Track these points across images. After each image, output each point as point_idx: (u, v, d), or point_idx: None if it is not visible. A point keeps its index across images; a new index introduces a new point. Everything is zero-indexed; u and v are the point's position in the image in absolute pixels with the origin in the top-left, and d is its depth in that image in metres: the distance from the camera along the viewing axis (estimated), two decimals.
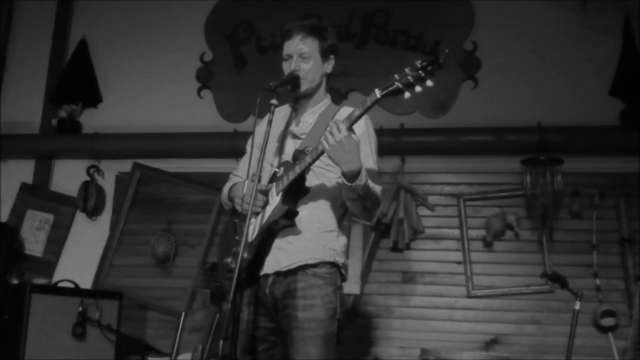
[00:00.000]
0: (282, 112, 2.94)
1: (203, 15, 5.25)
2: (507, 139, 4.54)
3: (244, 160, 3.00)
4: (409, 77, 2.34)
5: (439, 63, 2.32)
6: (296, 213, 2.64)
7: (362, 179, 2.52)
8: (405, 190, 4.56)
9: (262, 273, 2.70)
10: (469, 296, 4.49)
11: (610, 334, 4.23)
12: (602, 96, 4.56)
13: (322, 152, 2.52)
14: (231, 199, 2.86)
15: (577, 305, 3.79)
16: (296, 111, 2.90)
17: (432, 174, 4.72)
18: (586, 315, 4.18)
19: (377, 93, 2.41)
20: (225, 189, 2.94)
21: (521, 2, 4.78)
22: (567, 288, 3.94)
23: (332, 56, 2.84)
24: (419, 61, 2.34)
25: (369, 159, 2.74)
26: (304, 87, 2.78)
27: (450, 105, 4.76)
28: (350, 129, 2.48)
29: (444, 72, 4.55)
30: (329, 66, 2.85)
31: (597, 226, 4.39)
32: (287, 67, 2.80)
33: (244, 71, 5.14)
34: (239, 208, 2.79)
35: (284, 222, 2.65)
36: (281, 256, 2.69)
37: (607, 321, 4.21)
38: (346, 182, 2.53)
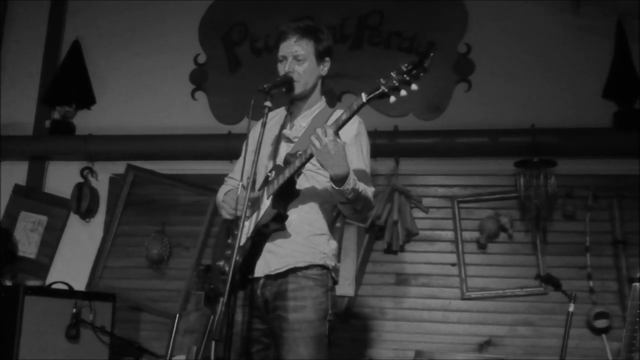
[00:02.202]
0: (277, 115, 2.94)
1: (197, 17, 5.24)
2: (500, 141, 4.54)
3: (239, 163, 3.01)
4: (394, 81, 2.36)
5: (424, 67, 2.34)
6: (286, 217, 2.65)
7: (350, 182, 2.53)
8: (400, 192, 4.56)
9: (253, 276, 2.71)
10: (463, 298, 4.49)
11: (603, 335, 4.24)
12: (595, 98, 4.56)
13: (311, 156, 2.53)
14: (222, 207, 2.85)
15: (571, 307, 3.80)
16: (291, 114, 2.90)
17: (426, 176, 4.72)
18: (580, 317, 4.18)
19: (363, 97, 2.43)
20: (220, 194, 2.94)
21: (515, 5, 4.78)
22: (560, 290, 3.95)
23: (327, 58, 2.85)
24: (405, 65, 2.35)
25: (360, 161, 2.75)
26: (298, 89, 2.79)
27: (444, 107, 4.76)
28: (336, 133, 2.49)
29: (438, 74, 4.65)
30: (324, 68, 2.85)
31: (590, 228, 4.40)
32: (281, 69, 2.80)
33: (238, 73, 5.13)
34: (225, 214, 2.79)
35: (274, 226, 2.66)
36: (271, 259, 2.70)
37: (601, 323, 4.22)
38: (334, 186, 2.54)
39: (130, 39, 5.37)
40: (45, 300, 4.07)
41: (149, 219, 5.00)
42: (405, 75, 2.35)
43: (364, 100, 2.43)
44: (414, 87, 2.36)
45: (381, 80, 2.40)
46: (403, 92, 2.38)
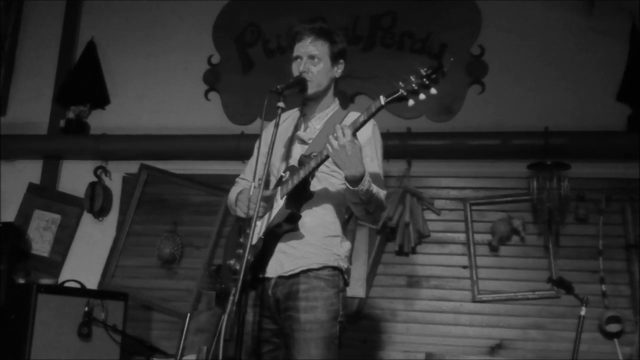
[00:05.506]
0: (290, 116, 2.94)
1: (211, 18, 5.26)
2: (513, 143, 4.53)
3: (251, 163, 3.01)
4: (413, 85, 2.37)
5: (443, 71, 2.34)
6: (299, 217, 2.65)
7: (365, 183, 2.53)
8: (411, 194, 4.56)
9: (265, 276, 2.71)
10: (474, 301, 4.48)
11: (615, 340, 4.22)
12: (609, 101, 4.55)
13: (327, 157, 2.53)
14: (236, 205, 2.86)
15: (583, 311, 3.78)
16: (304, 116, 2.90)
17: (438, 177, 4.71)
18: (592, 321, 4.17)
19: (382, 100, 2.43)
20: (232, 194, 2.94)
21: (528, 6, 4.77)
22: (572, 293, 3.93)
23: (341, 60, 2.85)
24: (424, 69, 2.36)
25: (374, 163, 2.75)
26: (312, 89, 2.78)
27: (456, 109, 4.76)
28: (354, 134, 2.49)
29: (451, 76, 4.64)
30: (338, 70, 2.85)
31: (603, 231, 4.37)
32: (295, 69, 2.80)
33: (251, 73, 5.15)
34: (239, 212, 2.80)
35: (287, 226, 2.66)
36: (285, 261, 2.70)
37: (613, 327, 4.20)
38: (349, 187, 2.54)
39: (145, 39, 5.40)
40: (57, 298, 4.10)
41: (161, 219, 5.03)
42: (424, 79, 2.35)
43: (382, 103, 2.43)
44: (433, 91, 2.37)
45: (400, 83, 2.40)
46: (422, 96, 2.38)
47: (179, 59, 5.28)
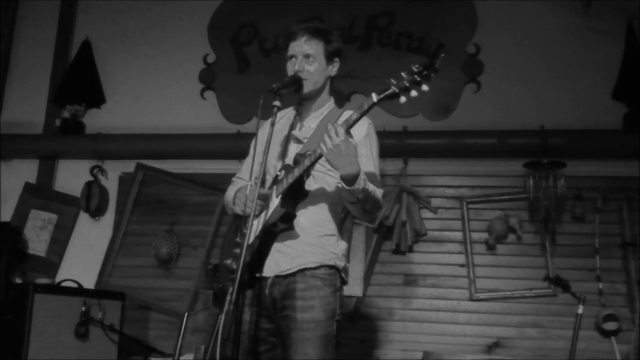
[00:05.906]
0: (286, 115, 2.95)
1: (206, 17, 5.26)
2: (509, 142, 4.54)
3: (247, 162, 3.01)
4: (405, 82, 2.37)
5: (434, 68, 2.34)
6: (294, 216, 2.65)
7: (361, 182, 2.53)
8: (408, 192, 4.56)
9: (261, 275, 2.71)
10: (471, 299, 4.49)
11: (612, 338, 4.23)
12: (605, 100, 4.55)
13: (320, 156, 2.53)
14: (234, 203, 2.86)
15: (580, 309, 3.79)
16: (300, 115, 2.90)
17: (434, 176, 4.72)
18: (588, 319, 4.17)
19: (374, 97, 2.43)
20: (229, 193, 2.94)
21: (524, 6, 4.78)
22: (569, 292, 3.94)
23: (336, 59, 2.85)
24: (416, 65, 2.36)
25: (370, 162, 2.75)
26: (307, 88, 2.79)
27: (453, 108, 4.76)
28: (347, 132, 2.49)
29: (447, 75, 4.65)
30: (333, 69, 2.86)
31: (599, 230, 4.38)
32: (290, 67, 2.81)
33: (247, 73, 5.14)
34: (237, 210, 2.80)
35: (282, 225, 2.66)
36: (281, 260, 2.70)
37: (610, 325, 4.20)
38: (345, 186, 2.54)
39: (140, 38, 5.39)
40: (54, 298, 4.09)
41: (158, 218, 5.02)
42: (415, 76, 2.36)
43: (375, 100, 2.43)
44: (424, 87, 2.37)
45: (392, 80, 2.40)
46: (414, 93, 2.38)
47: (175, 58, 5.27)
